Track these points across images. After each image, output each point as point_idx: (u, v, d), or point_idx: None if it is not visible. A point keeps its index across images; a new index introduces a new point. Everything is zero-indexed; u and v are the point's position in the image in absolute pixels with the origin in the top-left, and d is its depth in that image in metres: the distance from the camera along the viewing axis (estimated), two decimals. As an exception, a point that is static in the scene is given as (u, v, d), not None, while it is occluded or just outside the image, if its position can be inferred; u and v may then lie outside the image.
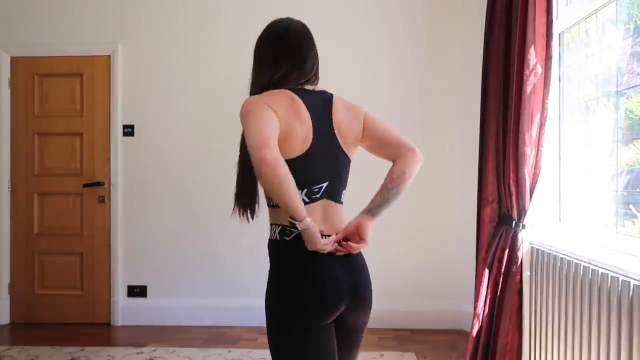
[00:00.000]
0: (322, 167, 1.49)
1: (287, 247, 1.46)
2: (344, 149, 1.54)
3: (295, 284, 1.43)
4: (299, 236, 1.41)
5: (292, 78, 1.52)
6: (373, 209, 1.51)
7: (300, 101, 1.48)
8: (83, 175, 4.00)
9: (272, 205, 1.50)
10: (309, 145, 1.46)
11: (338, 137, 1.52)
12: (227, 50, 3.93)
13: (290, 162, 1.39)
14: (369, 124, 1.58)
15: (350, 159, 1.58)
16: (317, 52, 1.60)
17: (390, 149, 1.57)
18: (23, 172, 4.03)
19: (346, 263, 1.48)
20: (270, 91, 1.49)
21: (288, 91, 1.49)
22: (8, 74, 4.02)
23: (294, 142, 1.44)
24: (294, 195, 1.33)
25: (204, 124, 3.94)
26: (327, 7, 3.86)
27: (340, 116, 1.54)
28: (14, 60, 4.03)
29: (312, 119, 1.47)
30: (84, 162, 4.00)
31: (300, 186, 1.40)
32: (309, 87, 1.55)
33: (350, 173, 1.61)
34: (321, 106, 1.52)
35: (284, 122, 1.42)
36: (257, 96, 1.47)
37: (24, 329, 3.88)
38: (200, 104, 3.96)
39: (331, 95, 1.58)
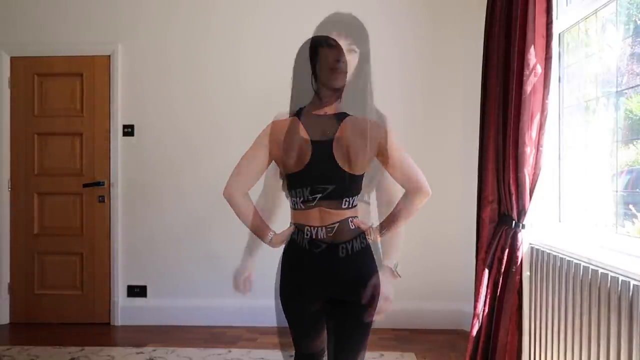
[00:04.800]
0: (316, 182, 1.66)
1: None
2: (343, 167, 1.64)
3: (282, 269, 1.76)
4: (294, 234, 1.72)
5: (301, 102, 1.70)
6: (382, 231, 1.73)
7: (302, 130, 1.65)
8: (83, 175, 4.00)
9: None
10: (303, 166, 1.65)
11: (336, 158, 1.64)
12: (228, 50, 3.93)
13: (289, 176, 1.69)
14: (383, 153, 1.66)
15: (355, 172, 1.65)
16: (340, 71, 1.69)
17: (398, 179, 1.69)
18: (23, 172, 4.03)
19: (325, 257, 1.66)
20: (282, 122, 1.69)
21: (296, 120, 1.67)
22: (8, 74, 4.02)
23: (289, 165, 1.67)
24: (252, 225, 1.71)
25: (204, 124, 3.94)
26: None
27: (343, 140, 1.64)
28: (14, 60, 4.03)
29: (312, 144, 1.65)
30: (84, 162, 4.00)
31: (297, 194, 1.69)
32: (318, 111, 1.68)
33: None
34: (326, 129, 1.66)
35: (278, 158, 1.69)
36: (267, 130, 1.70)
37: (24, 329, 3.88)
38: (200, 104, 3.96)
39: (342, 119, 1.66)
